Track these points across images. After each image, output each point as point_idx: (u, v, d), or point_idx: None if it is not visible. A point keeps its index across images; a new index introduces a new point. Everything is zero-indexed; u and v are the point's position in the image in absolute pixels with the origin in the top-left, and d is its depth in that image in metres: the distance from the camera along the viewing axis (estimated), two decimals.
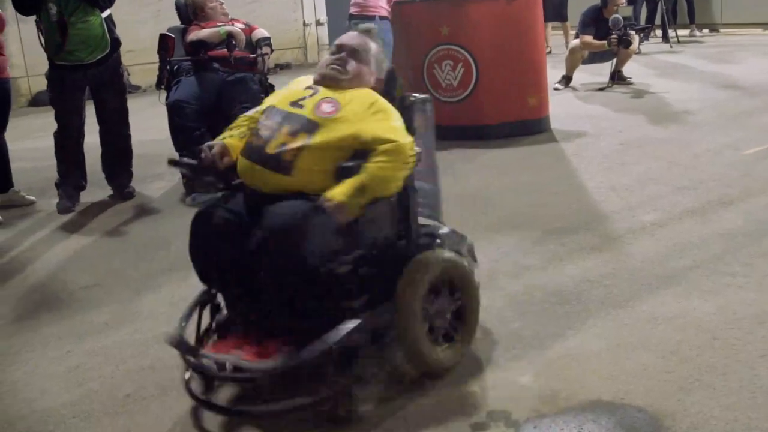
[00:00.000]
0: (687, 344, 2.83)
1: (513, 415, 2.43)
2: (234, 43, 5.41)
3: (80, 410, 2.67)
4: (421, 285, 2.59)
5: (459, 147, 6.20)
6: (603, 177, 5.15)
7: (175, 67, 5.51)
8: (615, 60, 8.58)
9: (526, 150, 6.12)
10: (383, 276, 2.61)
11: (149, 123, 6.75)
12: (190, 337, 2.61)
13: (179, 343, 2.53)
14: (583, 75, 9.08)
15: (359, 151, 2.60)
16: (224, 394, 2.64)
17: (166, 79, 5.55)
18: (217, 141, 2.76)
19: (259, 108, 2.89)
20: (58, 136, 5.26)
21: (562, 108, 7.27)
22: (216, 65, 5.42)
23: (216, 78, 5.37)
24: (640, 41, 10.33)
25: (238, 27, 5.61)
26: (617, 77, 8.70)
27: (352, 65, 2.81)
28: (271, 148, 2.60)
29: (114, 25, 5.27)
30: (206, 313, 2.71)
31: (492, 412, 2.46)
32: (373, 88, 2.81)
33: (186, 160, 2.89)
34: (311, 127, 2.61)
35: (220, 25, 5.51)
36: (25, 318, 3.56)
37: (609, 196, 4.71)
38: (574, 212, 4.48)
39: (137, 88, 10.99)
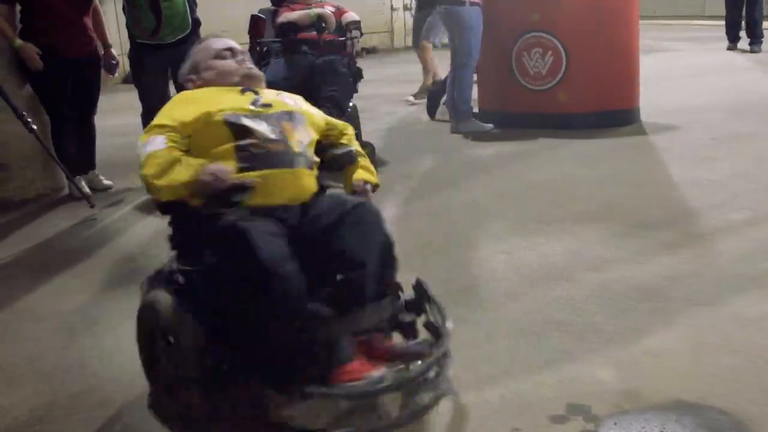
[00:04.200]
0: None
1: (593, 409, 2.41)
2: (324, 25, 5.42)
3: None
4: None
5: (544, 136, 6.15)
6: (691, 172, 5.02)
7: (265, 49, 5.55)
8: None
9: (613, 141, 6.01)
10: None
11: None
12: None
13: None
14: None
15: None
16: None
17: (256, 61, 5.61)
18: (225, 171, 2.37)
19: (163, 140, 2.43)
20: (143, 116, 5.33)
21: (655, 100, 7.09)
22: (305, 48, 5.43)
23: (305, 60, 5.38)
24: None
25: (328, 10, 5.62)
26: None
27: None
28: (295, 147, 2.46)
29: (195, 5, 5.32)
30: None
31: (571, 405, 2.44)
32: None
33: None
34: (302, 118, 2.58)
35: (310, 8, 5.54)
36: (118, 287, 3.70)
37: (696, 192, 4.59)
38: (659, 207, 4.39)
39: None
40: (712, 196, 4.50)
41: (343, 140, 2.74)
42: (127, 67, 10.18)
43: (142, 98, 5.36)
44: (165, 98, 5.26)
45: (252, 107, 2.52)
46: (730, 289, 3.27)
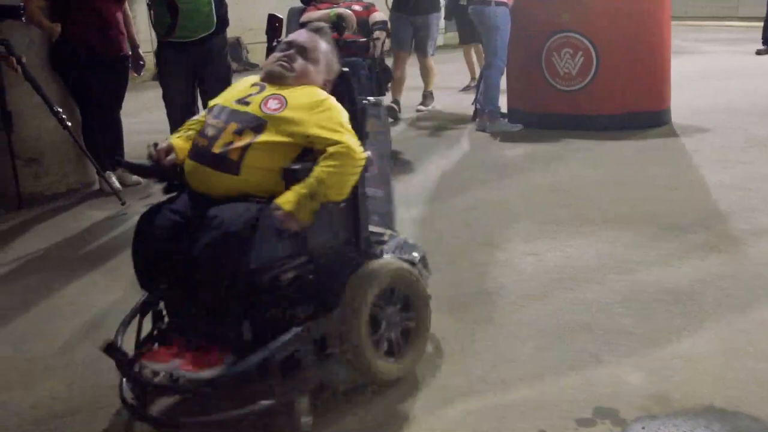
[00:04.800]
0: None
1: (620, 413, 2.39)
2: (344, 25, 5.27)
3: None
4: (369, 291, 2.50)
5: (574, 137, 6.10)
6: (722, 175, 4.96)
7: None
8: None
9: (643, 143, 5.95)
10: (329, 283, 2.50)
11: None
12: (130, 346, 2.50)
13: (114, 351, 2.43)
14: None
15: (306, 150, 2.51)
16: (163, 405, 2.52)
17: None
18: (165, 141, 2.69)
19: (204, 110, 2.79)
20: (168, 114, 5.34)
21: (686, 102, 7.01)
22: None
23: None
24: None
25: (356, 8, 5.56)
26: None
27: (299, 63, 2.71)
28: (217, 148, 2.49)
29: (223, 4, 5.25)
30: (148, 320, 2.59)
31: (599, 408, 2.42)
32: (323, 88, 2.70)
33: (132, 161, 2.95)
34: (258, 124, 2.52)
35: (333, 7, 5.45)
36: None
37: (727, 195, 4.53)
38: (691, 209, 4.34)
39: (255, 65, 11.24)
40: (743, 199, 4.44)
41: (320, 158, 2.49)
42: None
43: (164, 95, 5.35)
44: (188, 97, 5.25)
45: (238, 102, 2.61)
46: (762, 293, 3.23)
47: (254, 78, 2.78)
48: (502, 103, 6.82)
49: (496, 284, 3.45)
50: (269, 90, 2.65)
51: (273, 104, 2.58)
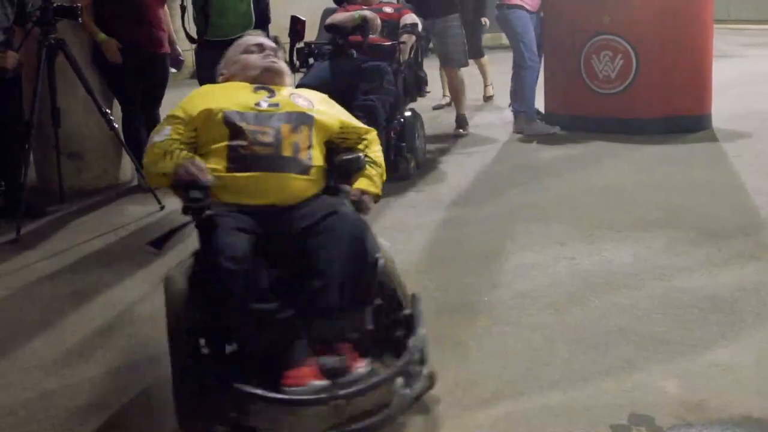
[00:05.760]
0: None
1: (656, 420, 2.36)
2: (367, 28, 5.13)
3: None
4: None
5: (612, 140, 6.05)
6: (764, 181, 4.86)
7: (315, 51, 5.33)
8: None
9: (682, 147, 5.87)
10: None
11: None
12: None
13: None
14: None
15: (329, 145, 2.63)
16: None
17: (301, 62, 5.34)
18: (188, 159, 2.43)
19: (168, 131, 2.52)
20: None
21: (728, 106, 6.92)
22: (353, 51, 5.13)
23: (349, 64, 5.05)
24: None
25: (386, 11, 5.44)
26: None
27: (281, 62, 2.79)
28: (286, 151, 2.47)
29: (261, 2, 5.21)
30: None
31: (634, 415, 2.39)
32: None
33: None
34: (308, 120, 2.54)
35: (363, 9, 5.34)
36: None
37: None
38: (731, 216, 4.27)
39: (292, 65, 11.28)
40: None
41: (360, 146, 2.66)
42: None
43: None
44: None
45: (258, 106, 2.56)
46: None
47: (236, 85, 2.71)
48: (540, 105, 6.79)
49: (532, 287, 3.43)
50: (278, 89, 2.68)
51: (302, 101, 2.62)
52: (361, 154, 2.60)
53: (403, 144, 5.28)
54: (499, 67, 8.95)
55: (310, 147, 2.52)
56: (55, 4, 4.74)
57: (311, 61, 5.40)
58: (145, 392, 2.70)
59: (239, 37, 4.93)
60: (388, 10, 5.52)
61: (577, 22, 6.45)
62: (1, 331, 3.30)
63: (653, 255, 3.74)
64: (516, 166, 5.69)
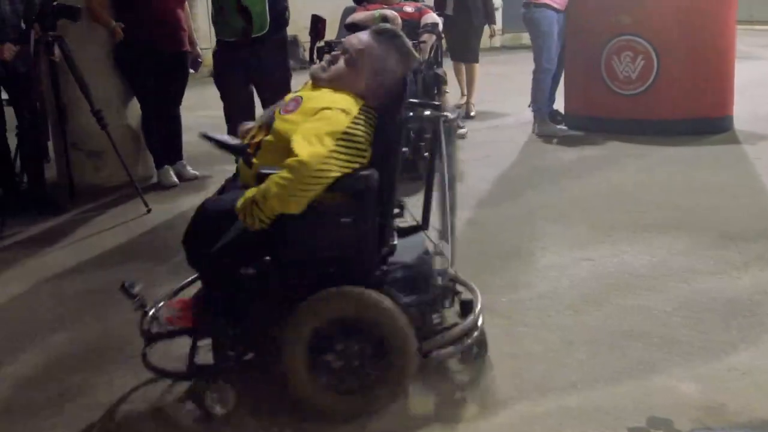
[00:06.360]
0: None
1: (674, 423, 2.34)
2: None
3: None
4: (305, 326, 2.39)
5: (632, 142, 6.03)
6: None
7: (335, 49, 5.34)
8: None
9: (703, 149, 5.84)
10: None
11: None
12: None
13: (127, 291, 2.73)
14: None
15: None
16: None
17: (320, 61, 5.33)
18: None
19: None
20: (225, 113, 5.29)
21: (749, 108, 6.86)
22: None
23: None
24: None
25: (407, 10, 5.44)
26: None
27: (337, 65, 2.64)
28: (248, 141, 2.67)
29: (278, 2, 5.06)
30: None
31: (652, 418, 2.38)
32: (368, 94, 2.60)
33: (218, 136, 2.83)
34: (270, 123, 2.59)
35: (383, 8, 5.33)
36: None
37: None
38: (753, 218, 4.24)
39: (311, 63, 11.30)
40: None
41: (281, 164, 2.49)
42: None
43: (221, 96, 5.24)
44: (243, 96, 5.13)
45: (279, 109, 2.66)
46: None
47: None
48: (560, 106, 6.76)
49: (550, 288, 3.42)
50: (303, 91, 2.70)
51: (290, 105, 2.61)
52: (271, 173, 2.37)
53: (422, 143, 5.27)
54: (519, 67, 8.95)
55: (258, 145, 2.57)
56: (56, 3, 4.75)
57: None
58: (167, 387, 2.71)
59: (257, 40, 5.01)
60: (408, 9, 5.52)
61: (599, 23, 6.43)
62: (19, 326, 3.33)
63: (672, 257, 3.71)
64: (535, 167, 5.67)
